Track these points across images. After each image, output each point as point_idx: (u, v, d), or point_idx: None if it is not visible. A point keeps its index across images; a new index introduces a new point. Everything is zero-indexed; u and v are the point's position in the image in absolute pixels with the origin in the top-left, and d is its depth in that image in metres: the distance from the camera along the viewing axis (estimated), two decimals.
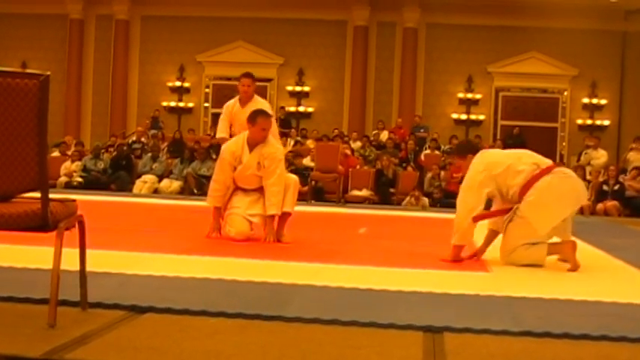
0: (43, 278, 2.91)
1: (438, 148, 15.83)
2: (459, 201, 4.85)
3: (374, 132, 17.15)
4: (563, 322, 2.93)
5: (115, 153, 15.34)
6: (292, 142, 15.95)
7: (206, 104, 19.34)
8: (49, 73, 2.56)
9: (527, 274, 4.41)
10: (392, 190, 14.15)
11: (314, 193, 12.84)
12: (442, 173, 13.89)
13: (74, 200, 2.79)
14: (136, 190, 14.03)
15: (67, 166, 14.64)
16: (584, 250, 5.38)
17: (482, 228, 5.01)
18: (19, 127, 2.51)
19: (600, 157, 14.94)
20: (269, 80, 18.78)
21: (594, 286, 4.00)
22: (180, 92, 19.33)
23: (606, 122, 18.15)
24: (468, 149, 5.16)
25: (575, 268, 4.59)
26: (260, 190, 5.64)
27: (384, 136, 16.61)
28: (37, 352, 2.25)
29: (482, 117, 18.52)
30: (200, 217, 7.09)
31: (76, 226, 2.77)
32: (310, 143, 15.58)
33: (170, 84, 19.29)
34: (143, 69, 19.36)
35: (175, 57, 19.09)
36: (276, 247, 5.25)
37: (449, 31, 18.20)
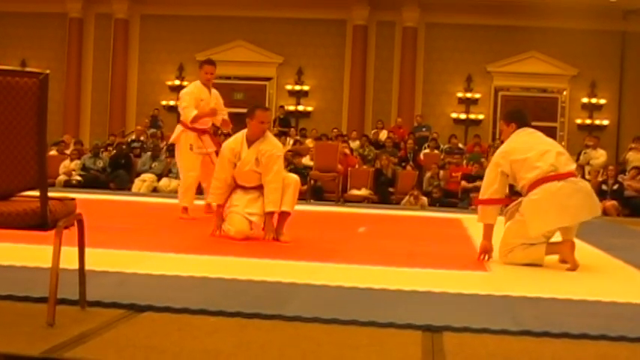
0: (42, 277, 2.91)
1: (437, 148, 15.81)
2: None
3: (373, 131, 17.14)
4: (563, 321, 2.93)
5: (114, 152, 15.33)
6: (291, 142, 15.93)
7: None
8: (48, 71, 2.55)
9: (527, 273, 4.41)
10: (391, 189, 14.12)
11: (313, 193, 12.82)
12: (441, 173, 13.85)
13: (73, 199, 2.79)
14: (135, 188, 14.01)
15: (66, 164, 14.62)
16: (583, 250, 5.38)
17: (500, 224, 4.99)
18: (19, 125, 2.51)
19: (599, 156, 14.92)
20: (268, 79, 18.79)
21: (593, 286, 4.00)
22: (180, 91, 19.24)
23: (605, 122, 18.13)
24: (515, 118, 5.05)
25: (574, 267, 4.59)
26: (259, 188, 5.64)
27: (383, 135, 16.60)
28: (36, 350, 2.25)
29: (481, 116, 18.50)
30: (200, 216, 7.12)
31: (75, 224, 2.77)
32: (309, 142, 15.55)
33: (169, 83, 19.26)
34: (142, 68, 19.33)
35: (175, 56, 19.06)
36: (275, 246, 5.24)
37: (448, 30, 18.19)
